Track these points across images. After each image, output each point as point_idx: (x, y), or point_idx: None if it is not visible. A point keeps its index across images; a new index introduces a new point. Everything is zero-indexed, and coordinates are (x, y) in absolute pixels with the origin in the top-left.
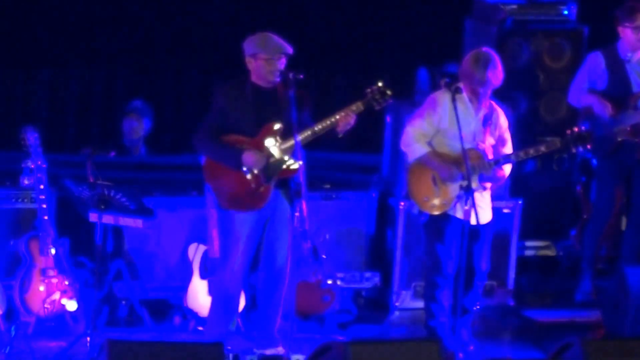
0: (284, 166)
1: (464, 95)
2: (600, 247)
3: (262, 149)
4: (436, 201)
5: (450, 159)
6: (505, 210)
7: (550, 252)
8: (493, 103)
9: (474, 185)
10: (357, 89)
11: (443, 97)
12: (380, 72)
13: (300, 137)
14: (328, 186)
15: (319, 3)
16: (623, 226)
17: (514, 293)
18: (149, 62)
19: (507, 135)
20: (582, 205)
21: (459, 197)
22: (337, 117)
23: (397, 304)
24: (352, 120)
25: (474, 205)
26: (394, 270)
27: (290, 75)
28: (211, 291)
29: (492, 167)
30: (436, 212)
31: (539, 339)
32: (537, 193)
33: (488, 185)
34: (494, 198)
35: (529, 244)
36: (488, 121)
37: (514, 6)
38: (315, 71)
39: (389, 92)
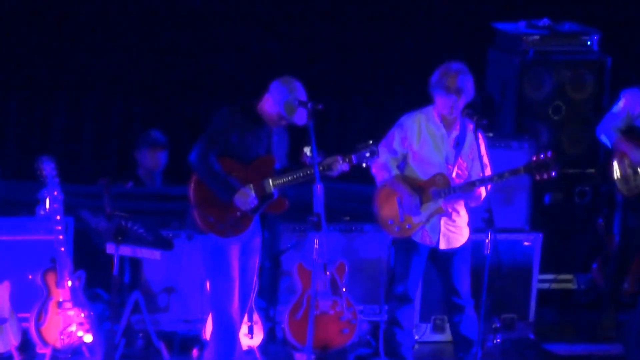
0: (271, 201)
1: (435, 117)
2: (623, 280)
3: (255, 180)
4: (400, 225)
5: (416, 184)
6: (526, 243)
7: (571, 285)
8: (467, 123)
9: (440, 210)
10: (376, 120)
11: (412, 120)
12: (401, 102)
13: (275, 180)
14: (347, 218)
15: (338, 32)
16: None
17: (535, 326)
18: (165, 92)
19: (485, 158)
20: (603, 238)
21: (424, 224)
22: (324, 165)
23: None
24: (344, 166)
25: (439, 230)
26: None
27: (309, 105)
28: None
29: (456, 192)
30: (400, 236)
31: None
32: (558, 225)
33: (460, 208)
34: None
35: (549, 277)
36: (461, 142)
37: (537, 37)
38: (335, 102)
39: (377, 151)
